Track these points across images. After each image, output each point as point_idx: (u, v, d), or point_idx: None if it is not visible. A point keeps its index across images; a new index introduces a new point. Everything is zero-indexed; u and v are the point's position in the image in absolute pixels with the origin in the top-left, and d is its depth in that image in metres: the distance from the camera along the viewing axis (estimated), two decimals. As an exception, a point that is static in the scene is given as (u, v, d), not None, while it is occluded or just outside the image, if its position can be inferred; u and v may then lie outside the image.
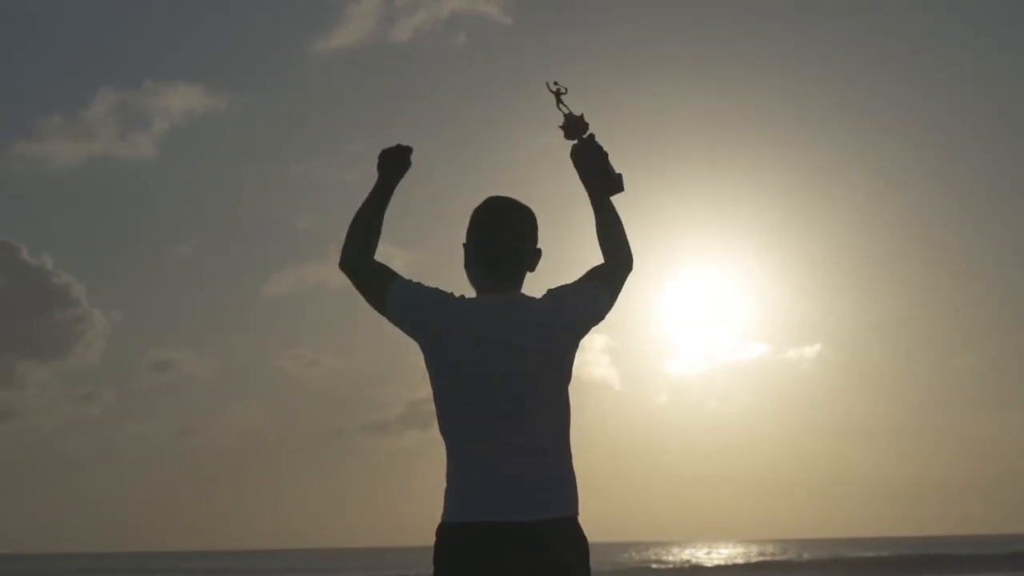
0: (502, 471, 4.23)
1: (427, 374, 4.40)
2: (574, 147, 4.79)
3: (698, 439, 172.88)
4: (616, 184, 4.76)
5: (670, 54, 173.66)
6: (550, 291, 4.45)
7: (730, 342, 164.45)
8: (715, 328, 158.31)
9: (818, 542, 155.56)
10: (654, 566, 71.55)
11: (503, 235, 4.44)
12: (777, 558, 78.90)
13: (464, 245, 4.49)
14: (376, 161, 4.71)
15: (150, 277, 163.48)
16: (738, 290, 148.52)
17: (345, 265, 4.52)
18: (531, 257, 4.49)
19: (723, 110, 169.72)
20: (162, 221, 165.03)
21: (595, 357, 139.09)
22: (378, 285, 4.45)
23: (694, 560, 79.79)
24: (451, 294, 4.39)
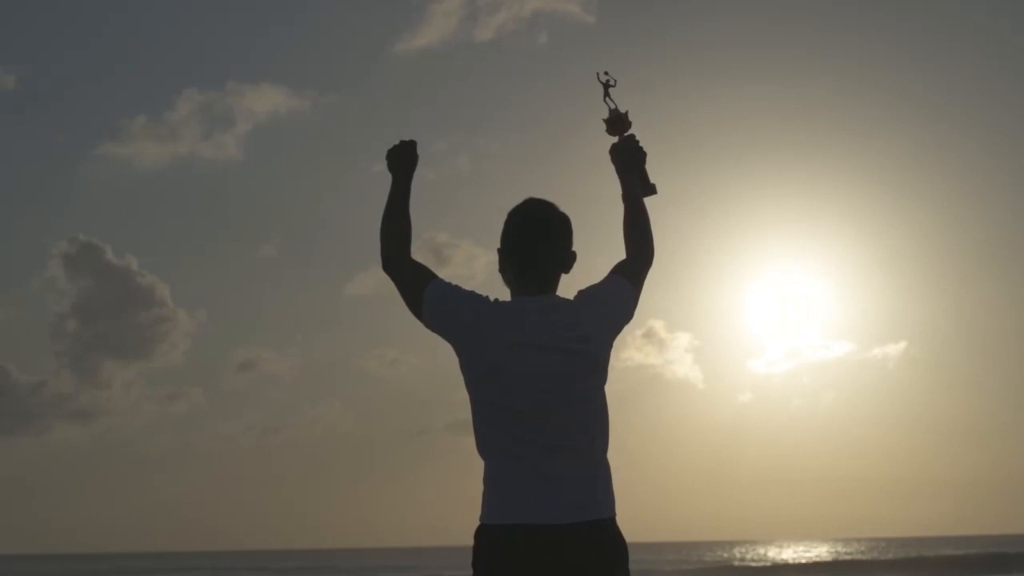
0: (540, 474, 4.24)
1: (462, 378, 4.41)
2: (614, 144, 4.89)
3: (782, 438, 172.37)
4: (650, 188, 4.86)
5: (755, 54, 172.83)
6: (581, 292, 4.48)
7: (814, 340, 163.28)
8: (799, 326, 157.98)
9: (903, 540, 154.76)
10: (736, 564, 71.60)
11: (539, 238, 4.44)
12: (862, 557, 78.77)
13: (499, 249, 4.50)
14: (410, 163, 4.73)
15: (234, 277, 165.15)
16: (822, 288, 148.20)
17: (387, 267, 4.53)
18: (567, 260, 4.50)
19: (807, 110, 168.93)
20: (246, 221, 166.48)
21: (679, 356, 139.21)
22: (416, 285, 4.45)
23: (779, 559, 79.70)
24: (486, 297, 4.39)
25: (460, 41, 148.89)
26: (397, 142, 4.73)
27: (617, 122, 4.89)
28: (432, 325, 4.42)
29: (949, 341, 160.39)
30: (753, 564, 72.64)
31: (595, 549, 4.22)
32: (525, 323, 4.31)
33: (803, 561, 73.42)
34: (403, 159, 4.70)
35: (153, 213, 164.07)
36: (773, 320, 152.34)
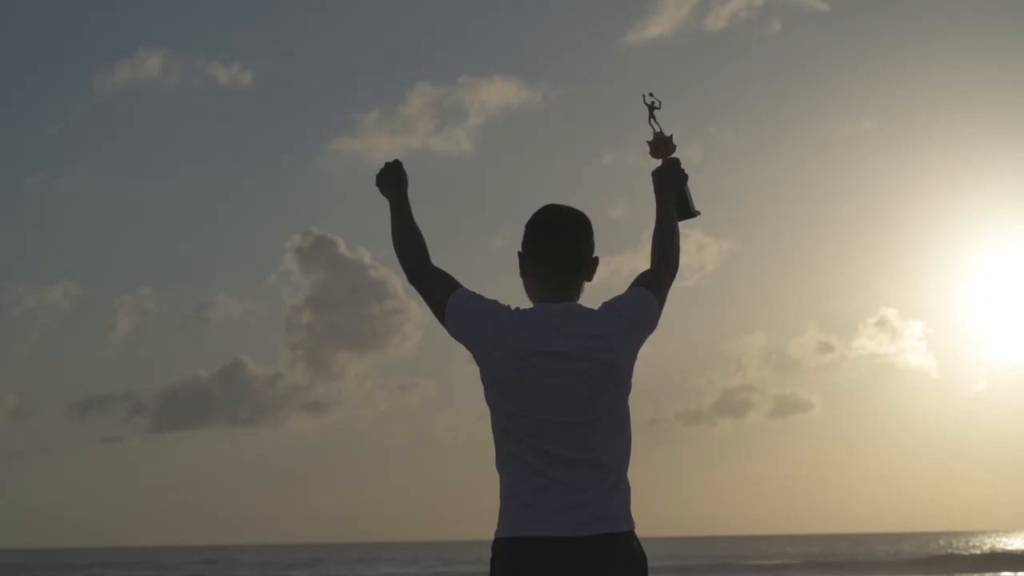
0: (558, 486, 4.24)
1: (482, 387, 4.41)
2: (657, 167, 4.91)
3: (1018, 427, 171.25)
4: (688, 211, 4.89)
5: (996, 37, 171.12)
6: (605, 303, 4.47)
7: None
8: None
9: None
10: (964, 554, 73.67)
11: (560, 244, 4.41)
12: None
13: (519, 254, 4.49)
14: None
15: (465, 269, 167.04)
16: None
17: (412, 281, 4.61)
18: (588, 266, 4.47)
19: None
20: (478, 213, 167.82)
21: (912, 344, 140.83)
22: (439, 295, 4.50)
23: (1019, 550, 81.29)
24: (507, 306, 4.40)
25: (691, 30, 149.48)
26: (382, 167, 4.84)
27: (660, 145, 4.94)
28: (455, 334, 4.46)
29: None
30: (980, 553, 74.11)
31: (612, 563, 4.23)
32: (545, 331, 4.32)
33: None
34: (392, 180, 4.81)
35: (385, 206, 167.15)
36: (1008, 307, 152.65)
